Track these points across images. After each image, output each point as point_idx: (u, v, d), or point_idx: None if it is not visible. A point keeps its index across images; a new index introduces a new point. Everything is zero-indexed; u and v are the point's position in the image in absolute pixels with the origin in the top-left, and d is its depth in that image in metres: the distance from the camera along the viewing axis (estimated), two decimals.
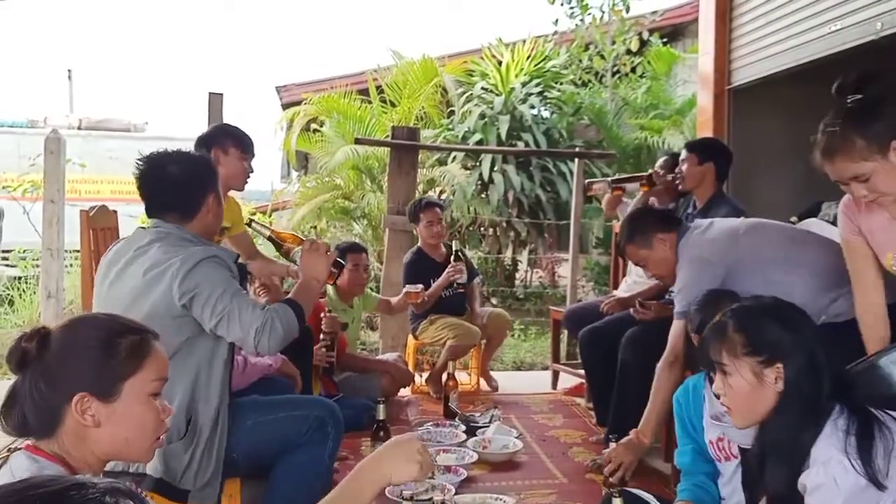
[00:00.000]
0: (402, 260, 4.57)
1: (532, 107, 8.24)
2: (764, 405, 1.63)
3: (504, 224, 7.92)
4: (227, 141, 2.95)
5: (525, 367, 5.69)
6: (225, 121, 4.32)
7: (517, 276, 8.44)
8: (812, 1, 3.95)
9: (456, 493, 2.76)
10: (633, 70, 8.73)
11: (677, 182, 3.60)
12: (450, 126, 8.24)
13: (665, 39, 9.19)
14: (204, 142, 2.95)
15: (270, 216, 8.60)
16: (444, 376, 3.91)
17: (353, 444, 3.33)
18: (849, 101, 1.78)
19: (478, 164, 7.91)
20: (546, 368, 4.99)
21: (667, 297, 3.41)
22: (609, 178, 4.31)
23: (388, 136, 5.70)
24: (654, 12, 9.02)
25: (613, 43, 8.46)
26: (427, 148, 6.95)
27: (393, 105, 8.10)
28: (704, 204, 3.50)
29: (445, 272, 4.28)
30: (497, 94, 8.24)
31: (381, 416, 2.78)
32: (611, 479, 2.52)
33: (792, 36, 4.09)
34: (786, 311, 1.70)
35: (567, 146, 7.95)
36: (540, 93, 8.33)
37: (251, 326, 2.00)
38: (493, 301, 7.61)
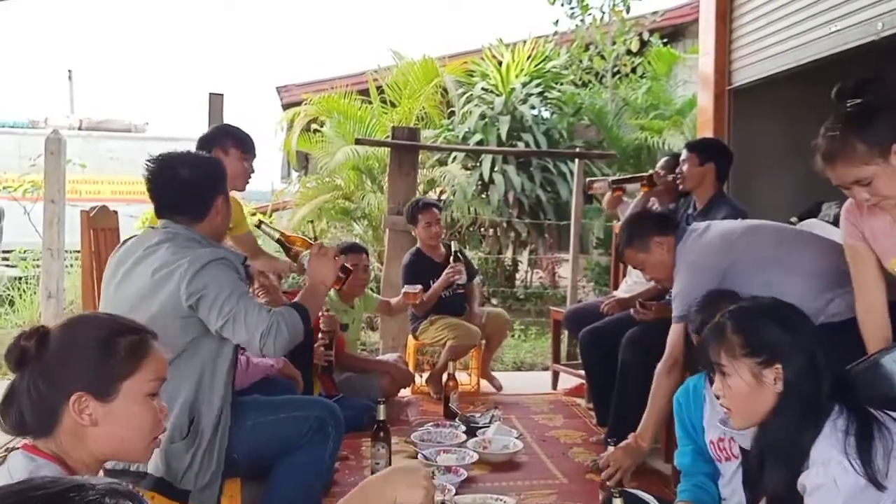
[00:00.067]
0: (402, 261, 4.57)
1: (532, 107, 8.24)
2: (763, 406, 1.63)
3: (504, 224, 7.92)
4: (227, 141, 2.95)
5: (525, 367, 5.69)
6: (225, 121, 4.33)
7: (517, 276, 8.43)
8: (812, 1, 3.94)
9: (456, 494, 2.77)
10: (634, 70, 8.72)
11: (678, 182, 3.60)
12: (450, 126, 8.24)
13: (665, 40, 9.18)
14: (205, 142, 2.96)
15: (271, 216, 8.57)
16: (445, 377, 3.91)
17: (353, 445, 3.34)
18: (848, 105, 1.79)
19: (478, 164, 7.91)
20: (546, 369, 4.99)
21: (667, 297, 3.40)
22: (609, 179, 4.28)
23: (388, 137, 5.70)
24: (655, 13, 9.01)
25: (614, 43, 8.46)
26: (427, 148, 6.95)
27: (393, 105, 8.10)
28: (705, 204, 3.50)
29: (445, 273, 4.27)
30: (497, 95, 8.24)
31: (382, 416, 2.78)
32: (608, 483, 2.52)
33: (792, 36, 4.09)
34: (784, 311, 1.70)
35: (567, 146, 7.96)
36: (540, 93, 8.33)
37: (257, 329, 2.01)
38: (494, 301, 7.60)
